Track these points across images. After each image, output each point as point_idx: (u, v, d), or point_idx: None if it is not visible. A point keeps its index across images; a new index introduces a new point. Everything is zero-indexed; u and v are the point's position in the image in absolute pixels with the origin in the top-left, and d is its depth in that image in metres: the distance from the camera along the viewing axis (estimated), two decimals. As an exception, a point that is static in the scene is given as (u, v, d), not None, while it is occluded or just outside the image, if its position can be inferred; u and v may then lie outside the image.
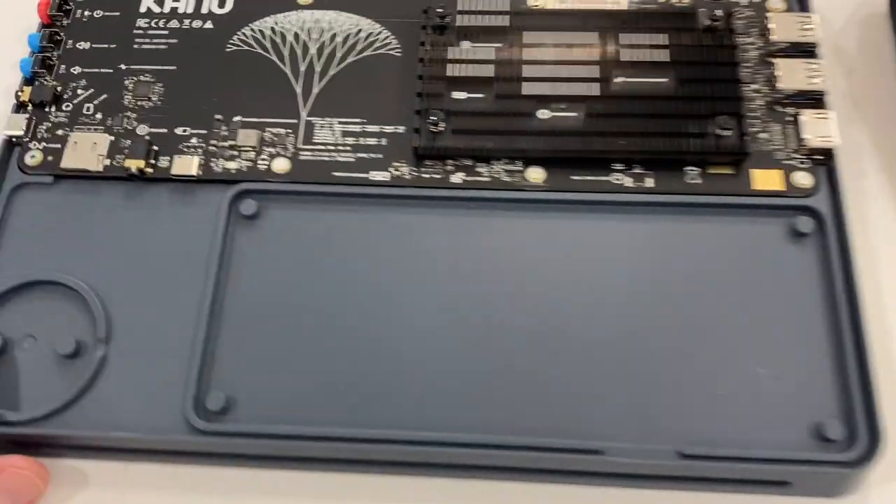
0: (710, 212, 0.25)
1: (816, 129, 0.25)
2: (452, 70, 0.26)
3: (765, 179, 0.25)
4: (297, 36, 0.28)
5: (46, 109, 0.27)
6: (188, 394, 0.22)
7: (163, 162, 0.26)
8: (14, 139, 0.26)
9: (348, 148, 0.26)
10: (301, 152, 0.26)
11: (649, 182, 0.25)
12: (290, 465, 0.23)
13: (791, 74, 0.26)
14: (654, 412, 0.22)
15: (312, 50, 0.27)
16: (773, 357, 0.23)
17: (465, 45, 0.27)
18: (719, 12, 0.27)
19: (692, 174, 0.25)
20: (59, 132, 0.26)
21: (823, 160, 0.25)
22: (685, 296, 0.24)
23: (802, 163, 0.25)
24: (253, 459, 0.23)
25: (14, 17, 0.30)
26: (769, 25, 0.26)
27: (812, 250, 0.24)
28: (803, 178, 0.25)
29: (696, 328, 0.23)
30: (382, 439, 0.22)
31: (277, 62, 0.27)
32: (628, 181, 0.25)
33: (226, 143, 0.26)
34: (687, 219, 0.25)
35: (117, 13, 0.28)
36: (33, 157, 0.26)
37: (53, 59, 0.28)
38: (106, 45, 0.28)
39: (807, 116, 0.25)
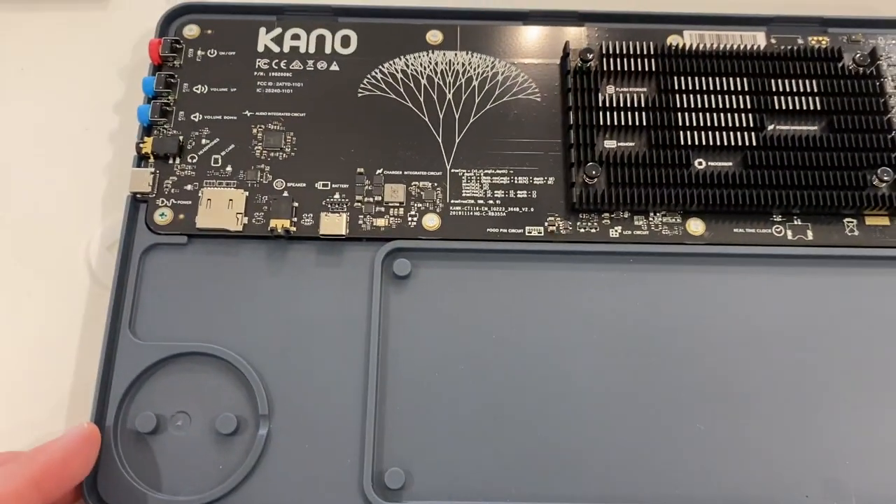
0: (869, 264, 0.25)
1: (973, 178, 0.25)
2: (603, 118, 0.25)
3: (922, 230, 0.25)
4: (430, 79, 0.26)
5: (171, 162, 0.25)
6: (367, 472, 0.22)
7: (305, 219, 0.24)
8: (140, 196, 0.25)
9: (498, 201, 0.25)
10: (451, 207, 0.25)
11: (809, 234, 0.25)
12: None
13: (943, 121, 0.26)
14: (833, 472, 0.22)
15: (449, 95, 0.26)
16: (941, 412, 0.23)
17: (611, 89, 0.26)
18: (864, 56, 0.27)
19: (850, 225, 0.25)
20: (188, 187, 0.25)
21: (978, 209, 0.25)
22: (847, 348, 0.24)
23: (958, 213, 0.25)
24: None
25: (109, 54, 0.28)
26: (918, 70, 0.26)
27: (972, 302, 0.24)
28: (961, 229, 0.25)
29: (864, 382, 0.23)
30: (559, 509, 0.22)
31: (414, 108, 0.26)
32: (789, 233, 0.25)
33: (372, 199, 0.25)
34: (847, 270, 0.25)
35: (233, 52, 0.27)
36: (163, 216, 0.24)
37: (171, 105, 0.26)
38: (226, 89, 0.26)
39: (964, 166, 0.25)
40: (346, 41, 0.27)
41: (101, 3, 0.29)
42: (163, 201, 0.25)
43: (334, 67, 0.27)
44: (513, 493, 0.22)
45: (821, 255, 0.25)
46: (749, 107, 0.26)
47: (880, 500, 0.22)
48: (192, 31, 0.27)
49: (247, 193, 0.25)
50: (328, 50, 0.27)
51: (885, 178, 0.25)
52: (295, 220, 0.24)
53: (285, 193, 0.25)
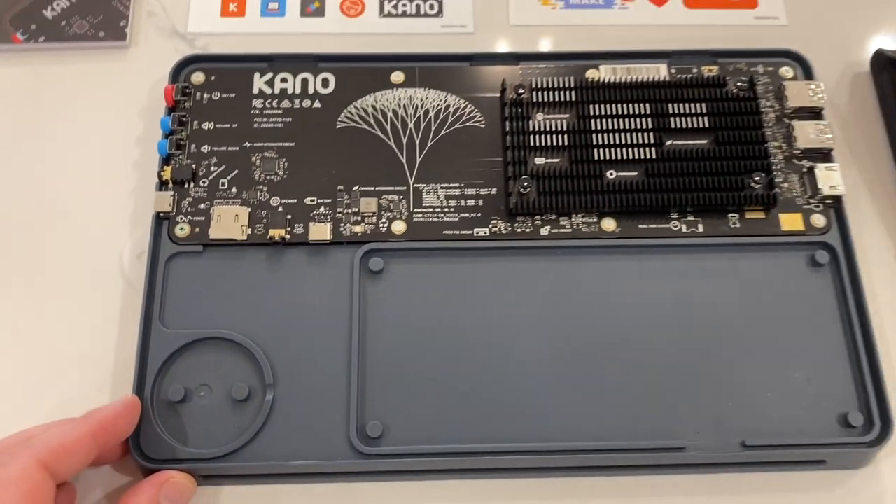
0: (748, 249, 0.31)
1: (827, 179, 0.31)
2: (534, 140, 0.31)
3: (789, 222, 0.31)
4: (395, 112, 0.32)
5: (186, 186, 0.31)
6: (352, 425, 0.28)
7: (297, 228, 0.30)
8: (162, 214, 0.30)
9: (452, 209, 0.31)
10: (414, 215, 0.31)
11: (700, 227, 0.31)
12: (433, 476, 0.28)
13: (805, 134, 0.32)
14: (720, 414, 0.28)
15: (410, 124, 0.32)
16: (804, 364, 0.29)
17: (540, 116, 0.32)
18: (744, 82, 0.33)
19: (733, 219, 0.31)
20: (201, 206, 0.31)
21: (833, 204, 0.31)
22: (733, 318, 0.30)
23: (817, 207, 0.31)
24: (404, 474, 0.28)
25: (129, 97, 0.34)
26: (786, 93, 0.33)
27: (829, 277, 0.31)
28: (819, 220, 0.31)
29: (744, 344, 0.29)
30: (505, 451, 0.28)
31: (382, 136, 0.32)
32: (683, 227, 0.31)
33: (350, 210, 0.31)
34: (731, 255, 0.31)
35: (233, 94, 0.33)
36: (182, 230, 0.30)
37: (184, 139, 0.32)
38: (228, 125, 0.32)
39: (819, 170, 0.31)
40: (325, 83, 0.33)
41: (121, 53, 0.35)
42: (181, 218, 0.30)
43: (317, 104, 0.33)
44: (468, 437, 0.28)
45: (710, 244, 0.31)
46: (651, 127, 0.32)
47: (758, 433, 0.28)
48: (198, 77, 0.33)
49: (249, 209, 0.31)
50: (311, 90, 0.33)
51: (759, 181, 0.31)
52: (289, 229, 0.30)
53: (280, 208, 0.31)
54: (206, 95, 0.33)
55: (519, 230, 0.31)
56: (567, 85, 0.32)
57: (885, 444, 0.28)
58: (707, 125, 0.32)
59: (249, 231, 0.30)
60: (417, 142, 0.32)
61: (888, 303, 0.31)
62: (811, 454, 0.28)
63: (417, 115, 0.33)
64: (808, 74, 0.34)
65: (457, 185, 0.31)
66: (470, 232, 0.31)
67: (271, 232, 0.30)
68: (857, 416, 0.28)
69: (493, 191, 0.31)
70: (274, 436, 0.28)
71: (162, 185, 0.31)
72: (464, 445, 0.28)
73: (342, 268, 0.30)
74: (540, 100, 0.32)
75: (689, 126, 0.32)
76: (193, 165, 0.31)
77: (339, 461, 0.27)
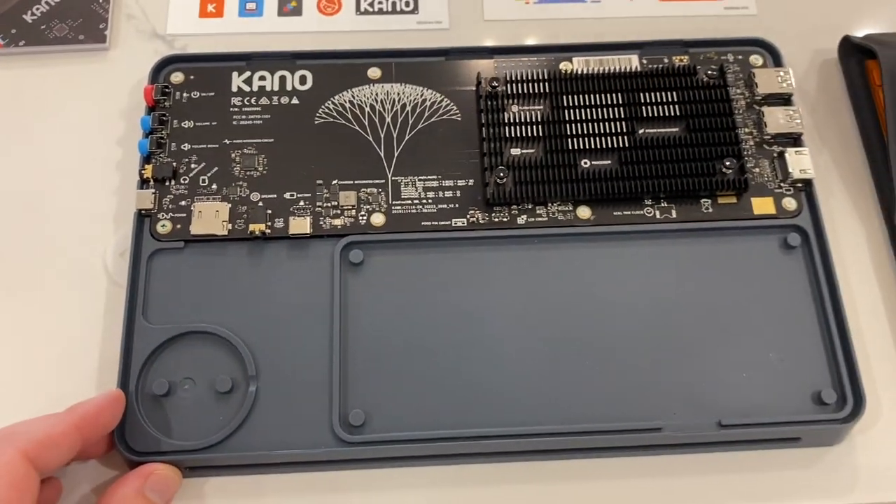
0: (721, 233, 0.31)
1: (797, 163, 0.32)
2: (509, 131, 0.32)
3: (761, 205, 0.32)
4: (372, 107, 0.33)
5: (167, 184, 0.31)
6: (335, 414, 0.28)
7: (277, 223, 0.31)
8: (144, 212, 0.31)
9: (430, 200, 0.31)
10: (392, 207, 0.31)
11: (673, 213, 0.32)
12: (416, 462, 0.29)
13: (775, 120, 0.33)
14: (696, 395, 0.29)
15: (388, 119, 0.33)
16: (778, 344, 0.30)
17: (515, 108, 0.33)
18: (714, 70, 0.33)
19: (706, 204, 0.32)
20: (182, 203, 0.31)
21: (803, 187, 0.32)
22: (708, 301, 0.30)
23: (788, 190, 0.32)
24: (387, 461, 0.28)
25: (110, 98, 0.35)
26: (755, 80, 0.33)
27: (801, 259, 0.31)
28: (790, 203, 0.32)
29: (719, 326, 0.30)
30: (486, 436, 0.28)
31: (360, 131, 0.33)
32: (657, 213, 0.31)
33: (330, 204, 0.31)
34: (704, 240, 0.31)
35: (212, 93, 0.33)
36: (164, 227, 0.31)
37: (164, 138, 0.32)
38: (208, 123, 0.32)
39: (790, 154, 0.32)
40: (303, 79, 0.34)
41: (101, 56, 0.36)
42: (163, 215, 0.31)
43: (295, 101, 0.33)
44: (450, 423, 0.28)
45: (683, 229, 0.31)
46: (623, 116, 0.32)
47: (733, 412, 0.28)
48: (178, 77, 0.33)
49: (230, 205, 0.31)
50: (289, 87, 0.33)
51: (731, 166, 0.32)
52: (269, 224, 0.31)
53: (260, 203, 0.31)
54: (185, 95, 0.33)
55: (496, 220, 0.31)
56: (541, 77, 0.33)
57: (858, 420, 0.28)
58: (678, 113, 0.33)
59: (230, 226, 0.31)
60: (395, 136, 0.33)
61: (859, 282, 0.32)
62: (786, 432, 0.29)
63: (394, 109, 0.33)
64: (777, 62, 0.34)
65: (434, 177, 0.32)
66: (448, 223, 0.31)
67: (252, 227, 0.30)
68: (830, 394, 0.29)
69: (471, 182, 0.32)
70: (258, 426, 0.28)
71: (143, 183, 0.31)
72: (445, 431, 0.28)
73: (322, 261, 0.31)
74: (514, 92, 0.33)
75: (661, 114, 0.32)
76: (174, 163, 0.32)
77: (323, 450, 0.28)
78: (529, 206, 0.31)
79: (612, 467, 0.29)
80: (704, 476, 0.28)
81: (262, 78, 0.34)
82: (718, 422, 0.28)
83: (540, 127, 0.32)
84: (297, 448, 0.28)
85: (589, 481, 0.28)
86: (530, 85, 0.33)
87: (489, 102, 0.33)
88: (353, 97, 0.33)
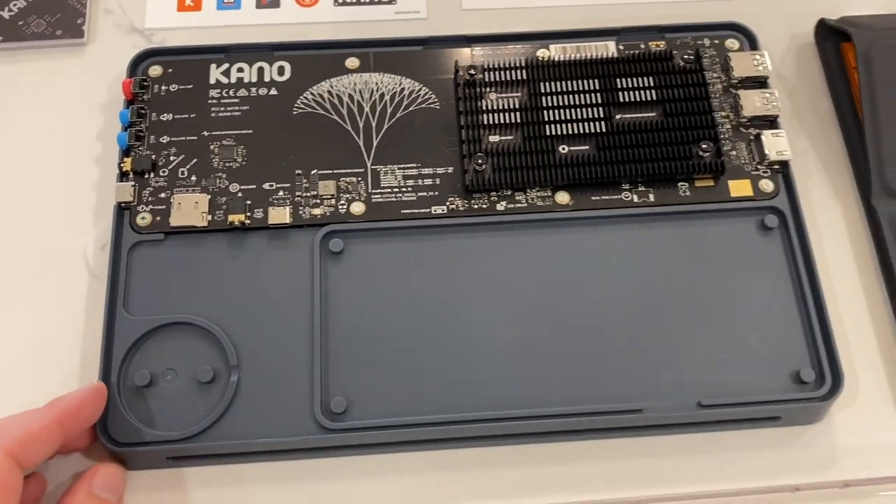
0: (699, 216, 0.32)
1: (774, 145, 0.32)
2: (487, 119, 0.32)
3: (738, 188, 0.32)
4: (351, 97, 0.33)
5: (146, 176, 0.31)
6: (316, 402, 0.28)
7: (257, 213, 0.31)
8: (124, 204, 0.31)
9: (409, 188, 0.32)
10: (372, 196, 0.31)
11: (651, 197, 0.32)
12: (397, 448, 0.29)
13: (751, 103, 0.33)
14: (676, 376, 0.29)
15: (366, 108, 0.33)
16: (757, 325, 0.30)
17: (493, 96, 0.33)
18: (691, 55, 0.34)
19: (683, 188, 0.32)
20: (162, 195, 0.31)
21: (780, 169, 0.32)
22: (687, 283, 0.31)
23: (765, 172, 0.32)
24: (369, 447, 0.29)
25: (89, 92, 0.35)
26: (731, 64, 0.33)
27: (778, 240, 0.31)
28: (767, 185, 0.32)
29: (698, 308, 0.30)
30: (468, 420, 0.28)
31: (339, 121, 0.33)
32: (635, 197, 0.32)
33: (309, 194, 0.31)
34: (683, 223, 0.32)
35: (190, 86, 0.33)
36: (143, 219, 0.31)
37: (143, 131, 0.32)
38: (187, 115, 0.33)
39: (766, 136, 0.32)
40: (281, 70, 0.34)
41: (79, 51, 0.36)
42: (143, 207, 0.31)
43: (273, 92, 0.33)
44: (432, 409, 0.28)
45: (661, 213, 0.32)
46: (601, 102, 0.33)
47: (713, 393, 0.29)
48: (156, 70, 0.33)
49: (209, 196, 0.31)
50: (267, 78, 0.34)
51: (707, 149, 0.32)
52: (249, 214, 0.31)
53: (239, 194, 0.31)
54: (163, 88, 0.33)
55: (476, 207, 0.31)
56: (518, 64, 0.33)
57: (837, 398, 0.28)
58: (655, 98, 0.33)
59: (210, 218, 0.31)
60: (374, 125, 0.33)
61: (836, 263, 0.32)
62: (766, 411, 0.29)
63: (373, 99, 0.33)
64: (753, 46, 0.35)
65: (414, 165, 0.32)
66: (428, 210, 0.31)
67: (231, 217, 0.30)
68: (809, 373, 0.29)
69: (450, 170, 0.32)
70: (240, 416, 0.28)
71: (122, 176, 0.31)
72: (427, 417, 0.28)
73: (302, 250, 0.31)
74: (492, 80, 0.33)
75: (638, 100, 0.33)
76: (153, 156, 0.32)
77: (305, 437, 0.28)
78: (508, 193, 0.32)
79: (594, 449, 0.29)
80: (685, 456, 0.29)
81: (241, 70, 0.34)
82: (698, 402, 0.28)
83: (518, 114, 0.32)
84: (280, 436, 0.28)
85: (571, 463, 0.28)
86: (508, 72, 0.33)
87: (467, 90, 0.33)
88: (332, 87, 0.33)
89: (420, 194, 0.32)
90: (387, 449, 0.29)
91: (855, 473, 0.28)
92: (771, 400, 0.29)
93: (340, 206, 0.31)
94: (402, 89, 0.33)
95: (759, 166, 0.32)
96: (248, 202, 0.31)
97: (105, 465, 0.27)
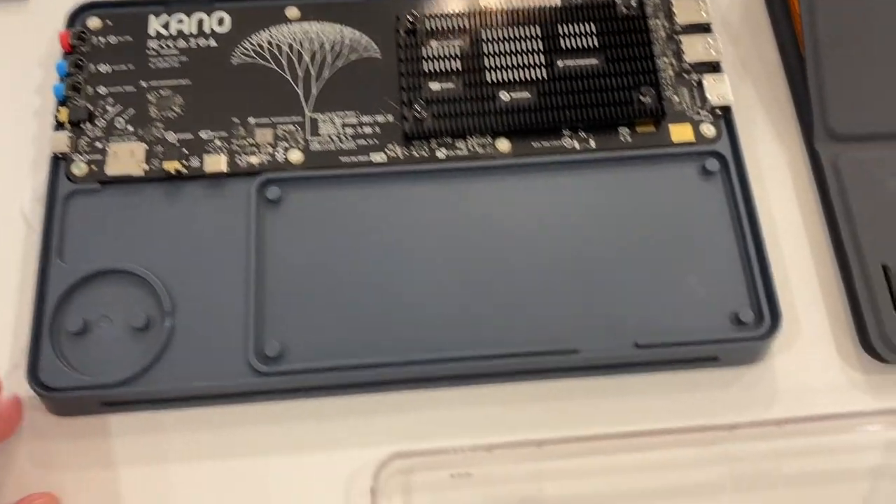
0: (640, 162, 0.32)
1: (715, 89, 0.32)
2: (427, 67, 0.32)
3: (679, 133, 0.32)
4: (291, 46, 0.33)
5: (83, 126, 0.31)
6: (250, 346, 0.28)
7: (194, 162, 0.31)
8: (60, 155, 0.31)
9: (349, 136, 0.31)
10: (311, 144, 0.31)
11: (592, 143, 0.32)
12: (332, 392, 0.28)
13: (693, 49, 0.33)
14: (613, 318, 0.29)
15: (306, 58, 0.33)
16: (697, 268, 0.30)
17: (434, 44, 0.33)
18: (633, 2, 0.33)
19: (624, 133, 0.32)
20: (98, 144, 0.31)
21: (722, 114, 0.32)
22: (627, 228, 0.30)
23: (707, 117, 0.32)
24: (303, 391, 0.28)
25: (29, 46, 0.34)
26: (674, 10, 0.33)
27: (720, 184, 0.31)
28: (708, 130, 0.32)
29: (638, 253, 0.30)
30: (402, 362, 0.28)
31: (278, 70, 0.32)
32: (576, 144, 0.31)
33: (247, 142, 0.31)
34: (624, 169, 0.31)
35: (129, 37, 0.33)
36: (79, 169, 0.30)
37: (81, 82, 0.32)
38: (125, 66, 0.32)
39: (708, 81, 0.32)
40: (220, 21, 0.33)
41: (20, 6, 0.35)
42: (78, 157, 0.31)
43: (213, 43, 0.33)
44: (367, 353, 0.28)
45: (602, 158, 0.31)
46: (542, 49, 0.32)
47: (650, 334, 0.28)
48: (94, 22, 0.33)
49: (146, 146, 0.31)
50: (207, 29, 0.33)
51: (648, 95, 0.32)
52: (185, 162, 0.31)
53: (176, 143, 0.31)
54: (101, 39, 0.33)
55: (416, 155, 0.31)
56: (459, 12, 0.33)
57: (775, 338, 0.28)
58: (597, 45, 0.32)
59: (147, 167, 0.31)
60: (314, 74, 0.32)
61: (780, 207, 0.32)
62: (704, 351, 0.29)
63: (313, 48, 0.33)
64: (697, -7, 0.34)
65: (353, 113, 0.32)
66: (367, 158, 0.31)
67: (166, 165, 0.30)
68: (747, 313, 0.29)
69: (390, 118, 0.32)
70: (174, 362, 0.28)
71: (58, 126, 0.31)
72: (360, 360, 0.28)
73: (240, 199, 0.30)
74: (433, 28, 0.33)
75: (580, 46, 0.32)
76: (90, 106, 0.31)
77: (237, 381, 0.28)
78: (449, 140, 0.31)
79: (531, 391, 0.29)
80: (622, 398, 0.29)
81: (180, 21, 0.33)
82: (635, 342, 0.28)
83: (459, 61, 0.32)
84: (212, 381, 0.28)
85: (508, 405, 0.28)
86: (448, 20, 0.33)
87: (407, 38, 0.33)
88: (272, 37, 0.33)
89: (359, 142, 0.31)
90: (320, 393, 0.28)
91: (794, 411, 0.28)
92: (708, 339, 0.29)
93: (278, 154, 0.31)
94: (343, 38, 0.33)
95: (700, 111, 0.32)
96: (185, 151, 0.31)
97: (39, 495, 0.26)
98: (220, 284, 0.29)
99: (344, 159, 0.31)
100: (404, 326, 0.29)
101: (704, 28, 0.33)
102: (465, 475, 0.28)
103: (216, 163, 0.30)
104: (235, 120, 0.31)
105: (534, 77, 0.32)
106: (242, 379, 0.28)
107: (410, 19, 0.33)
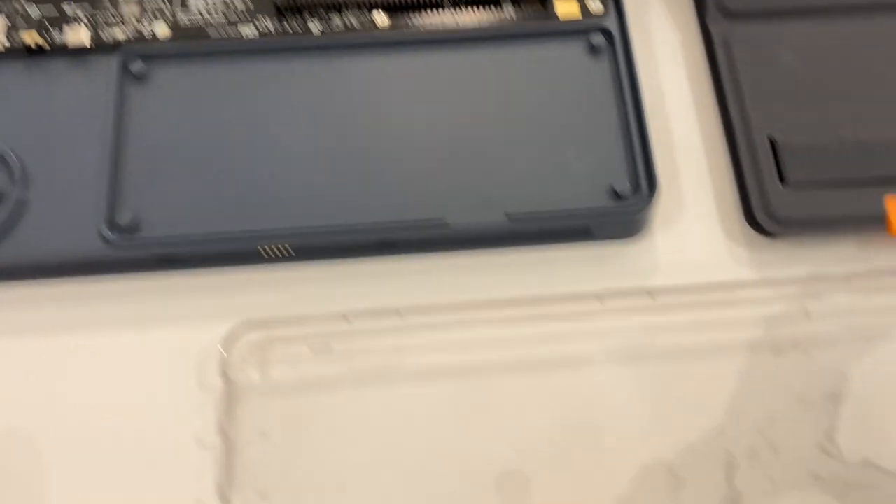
0: (524, 38, 0.30)
1: (602, -36, 0.31)
2: (301, -61, 0.31)
3: (565, 9, 0.31)
4: (165, -78, 0.32)
5: (-58, 2, 0.30)
6: (101, 215, 0.27)
7: (56, 36, 0.29)
8: (-81, 29, 0.30)
9: (219, 11, 0.30)
10: (178, 17, 0.30)
11: (474, 18, 0.30)
12: (186, 266, 0.27)
13: (581, -77, 0.31)
14: (486, 191, 0.28)
15: (179, -66, 0.31)
16: (579, 144, 0.29)
17: (307, -83, 0.31)
18: None
19: (508, 9, 0.31)
20: (-43, 20, 0.30)
21: (610, -11, 0.31)
22: (509, 105, 0.29)
23: (594, -8, 0.31)
24: (156, 265, 0.27)
25: None
26: None
27: (606, 61, 0.30)
28: (595, 6, 0.30)
29: (519, 128, 0.29)
30: (266, 235, 0.27)
31: (149, -54, 0.31)
32: (457, 19, 0.30)
33: (111, 15, 0.30)
34: (507, 45, 0.30)
35: (-4, -83, 0.32)
36: (-64, 43, 0.29)
37: (-56, -42, 0.31)
38: (-10, -55, 0.31)
39: (593, -46, 0.31)
40: None
41: None
42: (-64, 32, 0.30)
43: (84, -79, 0.32)
44: (229, 226, 0.27)
45: (485, 35, 0.30)
46: (424, -77, 0.31)
47: (518, 204, 0.27)
48: None
49: (6, 21, 0.30)
50: None
51: (531, -31, 0.30)
52: (47, 38, 0.29)
53: (38, 16, 0.30)
54: (-31, -82, 0.32)
55: (289, 29, 0.30)
56: None
57: (650, 208, 0.27)
58: (482, -81, 0.31)
59: (7, 43, 0.29)
60: (187, -49, 0.31)
61: (670, 84, 0.31)
62: (577, 222, 0.27)
63: (187, -75, 0.32)
64: None
65: (225, -12, 0.31)
66: (237, 32, 0.30)
67: (24, 36, 0.29)
68: (624, 184, 0.28)
69: (262, -9, 0.31)
70: (25, 235, 0.27)
71: (-84, 2, 0.30)
72: (219, 232, 0.27)
73: (104, 73, 0.29)
74: None
75: (464, -79, 0.31)
76: (-50, -17, 0.30)
77: (87, 251, 0.27)
78: (323, 13, 0.30)
79: (397, 267, 0.28)
80: (494, 274, 0.27)
81: None
82: (506, 213, 0.27)
83: (335, -65, 0.31)
84: (62, 253, 0.27)
85: (372, 281, 0.27)
86: None
87: (283, -87, 0.31)
88: (145, -85, 0.32)
89: (229, 15, 0.30)
90: (174, 266, 0.27)
91: (671, 280, 0.27)
92: (583, 211, 0.27)
93: (144, 29, 0.30)
94: (219, -84, 0.32)
95: (587, -14, 0.31)
96: (46, 23, 0.30)
97: None
98: (78, 159, 0.28)
99: (213, 33, 0.30)
100: (266, 200, 0.27)
101: None
102: (326, 350, 0.27)
103: (78, 36, 0.29)
104: (100, -6, 0.30)
105: (414, -49, 0.31)
106: (91, 249, 0.27)
107: None
